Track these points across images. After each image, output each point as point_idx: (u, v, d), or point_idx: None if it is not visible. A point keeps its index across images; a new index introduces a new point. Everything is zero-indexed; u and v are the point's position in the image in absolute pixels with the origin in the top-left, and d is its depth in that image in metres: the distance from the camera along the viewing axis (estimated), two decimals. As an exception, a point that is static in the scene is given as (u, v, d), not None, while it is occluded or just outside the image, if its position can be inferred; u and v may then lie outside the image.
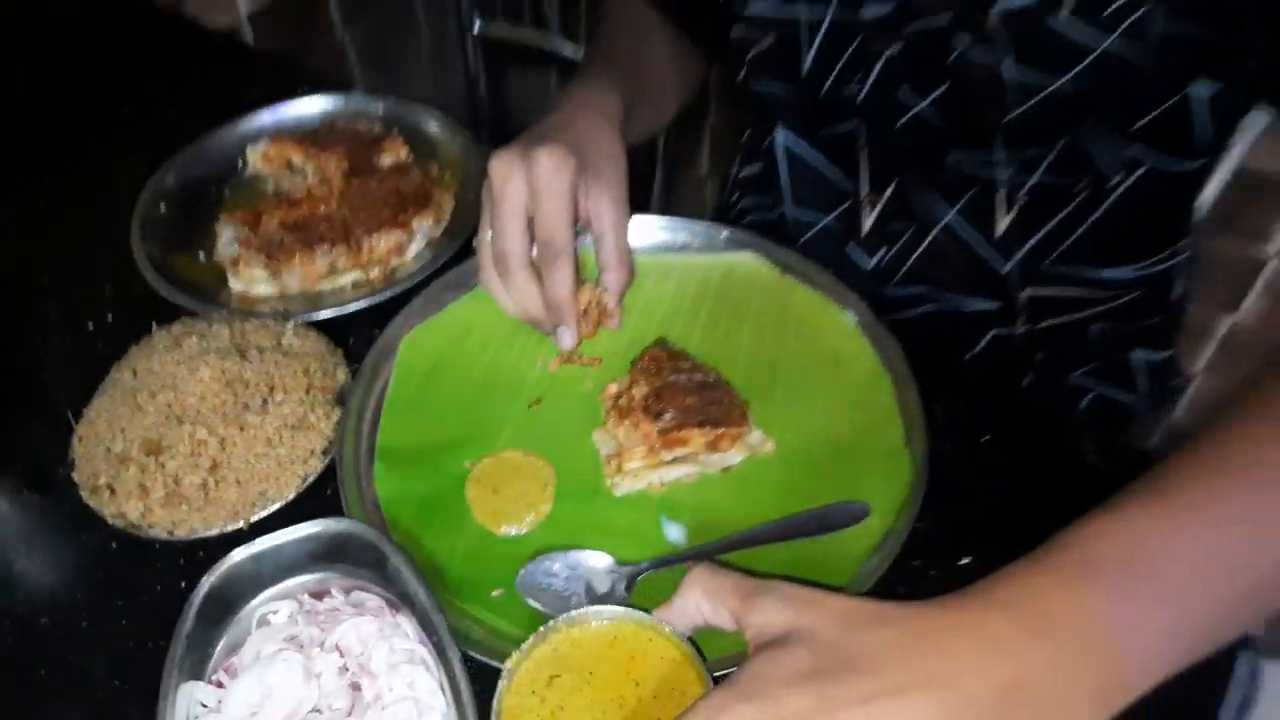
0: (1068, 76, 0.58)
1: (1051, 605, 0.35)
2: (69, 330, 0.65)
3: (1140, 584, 0.35)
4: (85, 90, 0.90)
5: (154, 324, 0.63)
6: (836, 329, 0.62)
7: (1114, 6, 0.54)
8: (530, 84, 1.66)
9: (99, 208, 0.74)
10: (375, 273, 0.67)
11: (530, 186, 0.56)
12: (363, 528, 0.49)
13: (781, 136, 0.75)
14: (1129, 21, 0.55)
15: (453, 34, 1.61)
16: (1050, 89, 0.59)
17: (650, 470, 0.55)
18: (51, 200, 0.77)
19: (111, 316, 0.66)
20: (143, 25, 0.99)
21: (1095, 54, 0.57)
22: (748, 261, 0.66)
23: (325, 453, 0.55)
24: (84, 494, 0.53)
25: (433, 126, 0.78)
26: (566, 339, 0.60)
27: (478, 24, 1.34)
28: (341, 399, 0.58)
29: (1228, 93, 0.60)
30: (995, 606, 0.35)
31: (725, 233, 0.67)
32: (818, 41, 0.67)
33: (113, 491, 0.52)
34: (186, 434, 0.52)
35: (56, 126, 0.86)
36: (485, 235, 0.59)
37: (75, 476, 0.54)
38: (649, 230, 0.68)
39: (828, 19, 0.66)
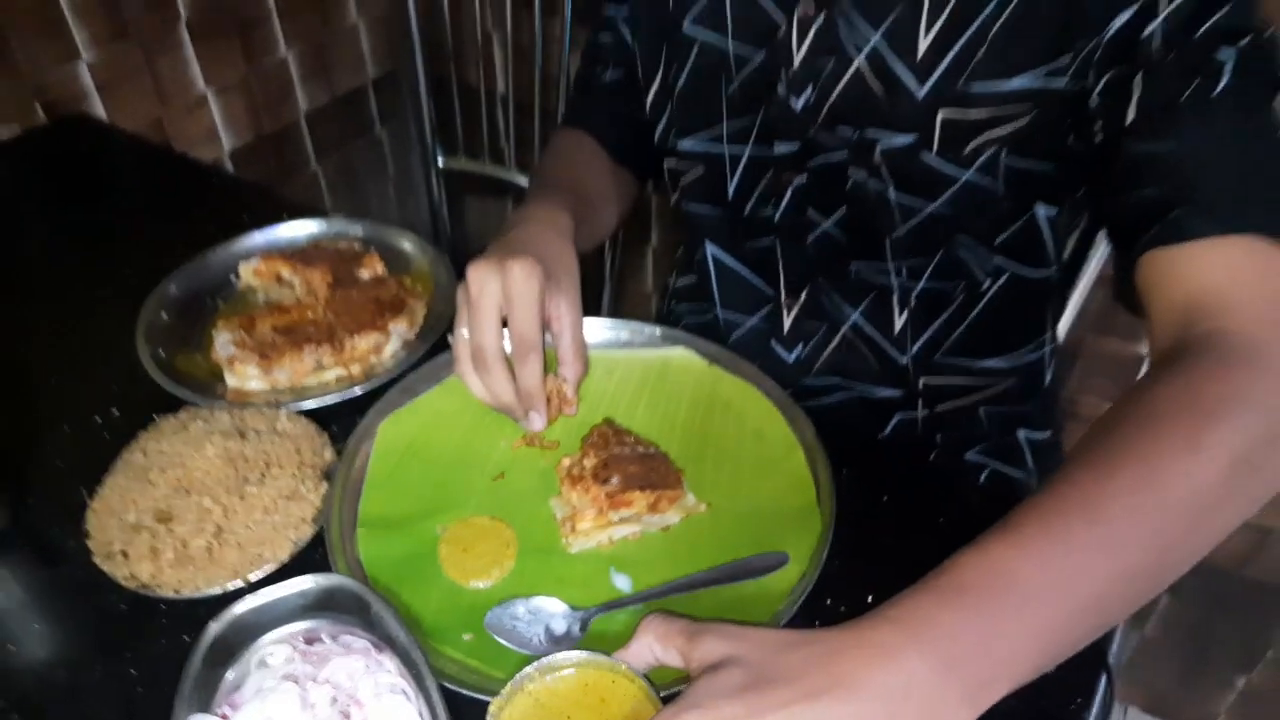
0: (939, 201, 0.71)
1: (929, 619, 0.43)
2: (79, 423, 0.73)
3: (996, 601, 0.44)
4: (94, 215, 1.00)
5: (154, 416, 0.71)
6: (757, 409, 0.72)
7: (970, 147, 0.68)
8: (487, 209, 1.81)
9: (107, 317, 0.83)
10: (356, 369, 0.76)
11: (505, 292, 0.65)
12: (349, 581, 0.56)
13: (711, 250, 0.87)
14: (982, 159, 0.68)
15: (417, 167, 1.76)
16: (927, 211, 0.72)
17: (600, 530, 0.64)
18: (64, 311, 0.86)
19: (117, 410, 0.74)
20: (141, 159, 1.11)
21: (958, 184, 0.70)
22: (680, 354, 0.77)
23: (314, 520, 0.63)
24: (98, 560, 0.59)
25: (406, 245, 0.89)
26: (537, 422, 0.69)
27: (441, 159, 1.49)
28: (328, 474, 0.66)
29: (1064, 214, 0.74)
30: (887, 623, 0.44)
31: (660, 330, 0.78)
32: (739, 172, 0.80)
33: (126, 556, 0.59)
34: (194, 503, 0.60)
35: (70, 247, 0.95)
36: (462, 333, 0.68)
37: (90, 544, 0.61)
38: (596, 330, 0.78)
39: (746, 154, 0.78)
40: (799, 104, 0.72)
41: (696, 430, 0.71)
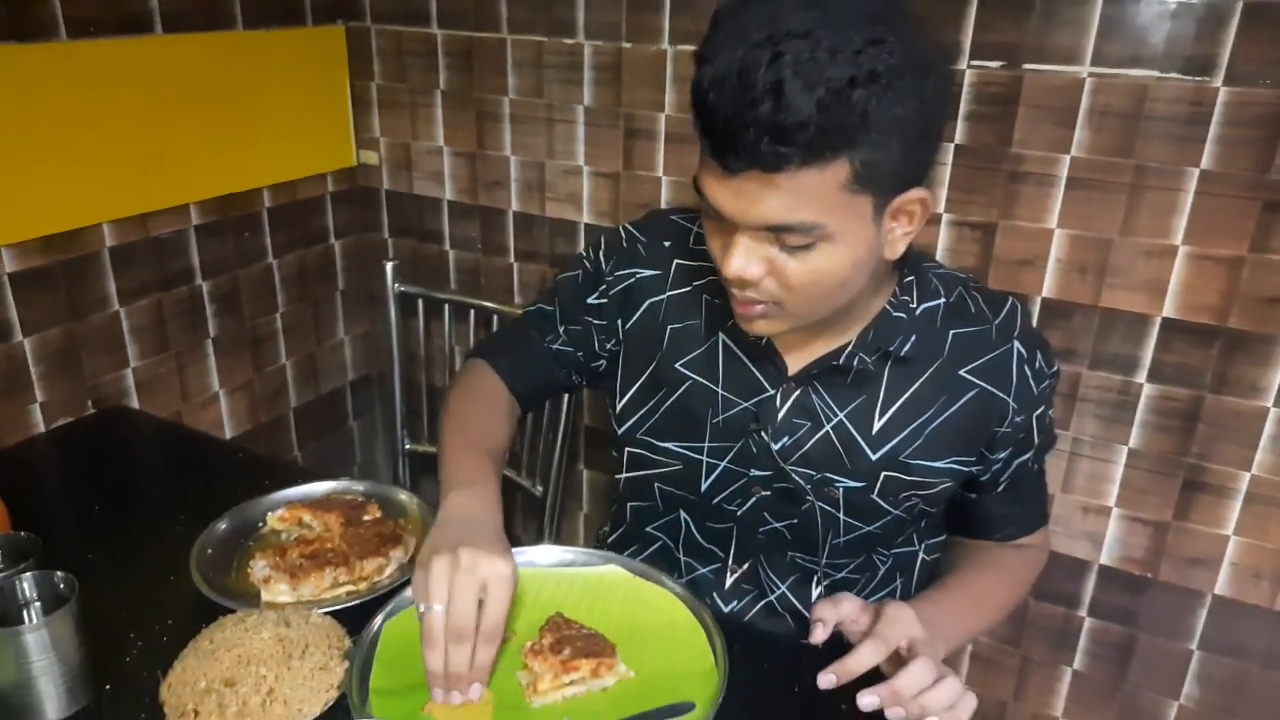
0: (874, 525, 0.99)
1: (929, 620, 0.87)
2: (143, 632, 0.93)
3: (945, 618, 0.91)
4: (140, 484, 1.24)
5: (204, 625, 0.92)
6: (670, 604, 0.97)
7: (901, 495, 0.96)
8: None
9: (156, 558, 1.06)
10: (363, 585, 0.99)
11: (486, 585, 0.79)
12: (369, 725, 0.77)
13: (683, 516, 1.08)
14: (909, 502, 0.98)
15: (382, 456, 2.04)
16: (864, 530, 0.99)
17: (555, 689, 0.85)
18: (130, 554, 1.08)
19: (171, 621, 0.94)
20: (179, 440, 1.37)
21: (890, 516, 0.98)
22: (613, 570, 1.03)
23: (339, 686, 0.83)
24: (171, 718, 0.78)
25: (400, 496, 1.15)
26: (474, 693, 0.81)
27: (408, 443, 1.78)
28: (348, 656, 0.87)
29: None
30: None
31: (597, 554, 1.04)
32: (713, 476, 1.00)
33: (197, 713, 0.78)
34: (253, 671, 0.80)
35: (124, 506, 1.19)
36: (436, 607, 0.78)
37: (165, 710, 0.79)
38: (550, 554, 1.04)
39: (722, 465, 0.99)
40: (777, 446, 0.95)
41: (626, 620, 0.95)
